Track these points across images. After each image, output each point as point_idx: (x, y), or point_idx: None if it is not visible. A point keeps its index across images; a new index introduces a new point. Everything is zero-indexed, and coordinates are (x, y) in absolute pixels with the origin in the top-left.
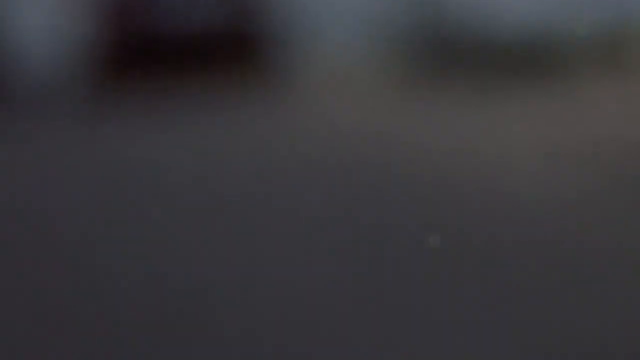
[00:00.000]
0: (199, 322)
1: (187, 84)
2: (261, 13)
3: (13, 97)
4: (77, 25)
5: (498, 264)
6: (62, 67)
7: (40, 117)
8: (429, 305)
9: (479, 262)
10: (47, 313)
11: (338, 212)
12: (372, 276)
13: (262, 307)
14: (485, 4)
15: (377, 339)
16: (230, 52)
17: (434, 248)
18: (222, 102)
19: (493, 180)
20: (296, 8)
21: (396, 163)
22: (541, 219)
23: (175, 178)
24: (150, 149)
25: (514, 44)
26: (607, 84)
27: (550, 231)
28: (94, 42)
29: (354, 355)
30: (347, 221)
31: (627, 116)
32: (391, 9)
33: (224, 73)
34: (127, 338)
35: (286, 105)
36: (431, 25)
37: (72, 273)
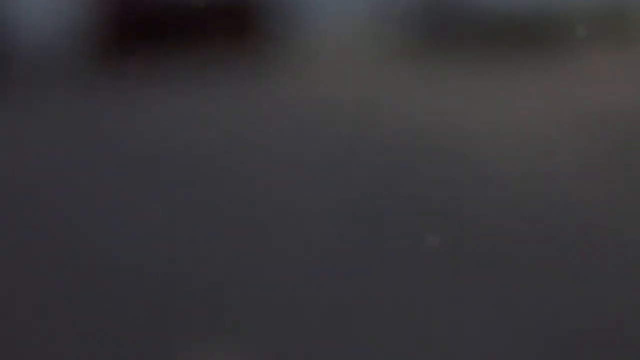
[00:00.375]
0: (205, 286)
1: (186, 55)
2: None
3: (12, 68)
4: None
5: (498, 235)
6: (61, 37)
7: (40, 88)
8: (427, 270)
9: (478, 231)
10: (43, 283)
11: (334, 178)
12: (364, 237)
13: (263, 268)
14: None
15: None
16: (230, 24)
17: (432, 217)
18: (221, 74)
19: (493, 152)
20: None
21: (394, 133)
22: (543, 190)
23: (174, 146)
24: (150, 119)
25: (515, 16)
26: (609, 56)
27: (552, 203)
28: (93, 12)
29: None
30: (344, 188)
31: (630, 88)
32: None
33: (223, 44)
34: (131, 308)
35: (284, 77)
36: None
37: (71, 244)
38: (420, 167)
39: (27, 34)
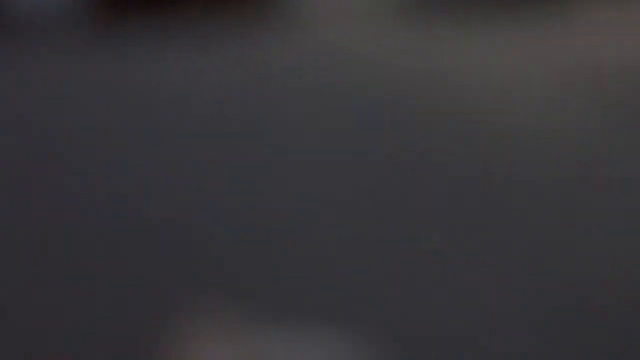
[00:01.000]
0: (211, 235)
1: (186, 14)
2: None
3: (9, 25)
4: None
5: (502, 191)
6: None
7: (37, 45)
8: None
9: (480, 185)
10: (46, 235)
11: (339, 130)
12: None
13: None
14: None
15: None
16: None
17: (438, 165)
18: (222, 31)
19: (495, 107)
20: None
21: (395, 87)
22: (544, 147)
23: (174, 103)
24: (150, 76)
25: None
26: (611, 11)
27: (553, 160)
28: None
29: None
30: (350, 141)
31: (629, 41)
32: None
33: (223, 2)
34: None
35: (286, 34)
36: None
37: (71, 195)
38: (423, 120)
39: None
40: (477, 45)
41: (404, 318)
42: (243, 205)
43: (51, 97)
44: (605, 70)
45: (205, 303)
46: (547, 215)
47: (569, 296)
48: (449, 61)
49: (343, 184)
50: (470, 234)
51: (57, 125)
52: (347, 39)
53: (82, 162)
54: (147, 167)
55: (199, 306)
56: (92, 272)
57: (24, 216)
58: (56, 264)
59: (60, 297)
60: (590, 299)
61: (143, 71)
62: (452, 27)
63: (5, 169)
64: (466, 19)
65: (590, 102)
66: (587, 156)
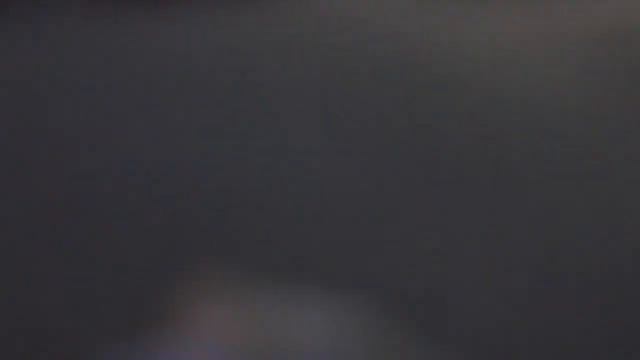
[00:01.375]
0: (216, 195)
1: None
2: None
3: None
4: None
5: (501, 154)
6: None
7: (33, 9)
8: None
9: (479, 149)
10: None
11: (338, 93)
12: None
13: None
14: None
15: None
16: None
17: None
18: None
19: (496, 72)
20: None
21: (394, 50)
22: (545, 112)
23: (176, 65)
24: (150, 38)
25: None
26: None
27: (554, 126)
28: None
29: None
30: (349, 103)
31: (636, 5)
32: None
33: None
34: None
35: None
36: None
37: (72, 165)
38: (423, 83)
39: None
40: (479, 9)
41: (405, 279)
42: (244, 167)
43: (48, 61)
44: (612, 35)
45: (203, 266)
46: (548, 177)
47: (568, 253)
48: (450, 25)
49: (343, 146)
50: (469, 197)
51: (54, 89)
52: (347, 1)
53: (81, 127)
54: (144, 129)
55: (198, 269)
56: (91, 230)
57: (23, 169)
58: (52, 232)
59: (58, 267)
60: (588, 257)
61: (141, 33)
62: None
63: (2, 134)
64: None
65: (594, 68)
66: (590, 120)
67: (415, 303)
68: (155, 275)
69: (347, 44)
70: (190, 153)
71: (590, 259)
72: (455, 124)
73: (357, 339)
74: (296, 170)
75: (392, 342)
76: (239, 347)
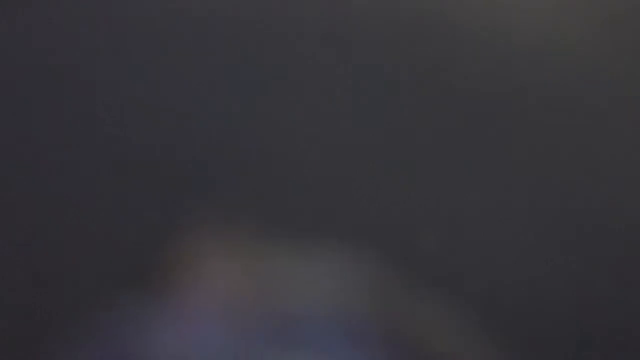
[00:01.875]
0: (218, 146)
1: None
2: None
3: None
4: None
5: (503, 96)
6: None
7: None
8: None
9: (481, 90)
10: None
11: (338, 38)
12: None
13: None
14: None
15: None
16: None
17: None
18: None
19: (495, 14)
20: None
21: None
22: (545, 55)
23: (171, 12)
24: None
25: None
26: None
27: (555, 67)
28: None
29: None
30: (350, 47)
31: None
32: None
33: None
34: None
35: None
36: None
37: (62, 111)
38: (423, 25)
39: None
40: None
41: (418, 234)
42: (245, 119)
43: (41, 12)
44: None
45: (208, 221)
46: (551, 117)
47: (572, 194)
48: None
49: (344, 93)
50: (472, 137)
51: (47, 39)
52: None
53: (76, 74)
54: (141, 76)
55: (202, 224)
56: (90, 182)
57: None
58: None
59: (56, 227)
60: (603, 210)
61: None
62: None
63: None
64: None
65: (594, 14)
66: (589, 64)
67: (429, 258)
68: (158, 228)
69: None
70: (197, 100)
71: (605, 211)
72: (453, 63)
73: (368, 294)
74: (307, 121)
75: (404, 298)
76: (243, 301)
